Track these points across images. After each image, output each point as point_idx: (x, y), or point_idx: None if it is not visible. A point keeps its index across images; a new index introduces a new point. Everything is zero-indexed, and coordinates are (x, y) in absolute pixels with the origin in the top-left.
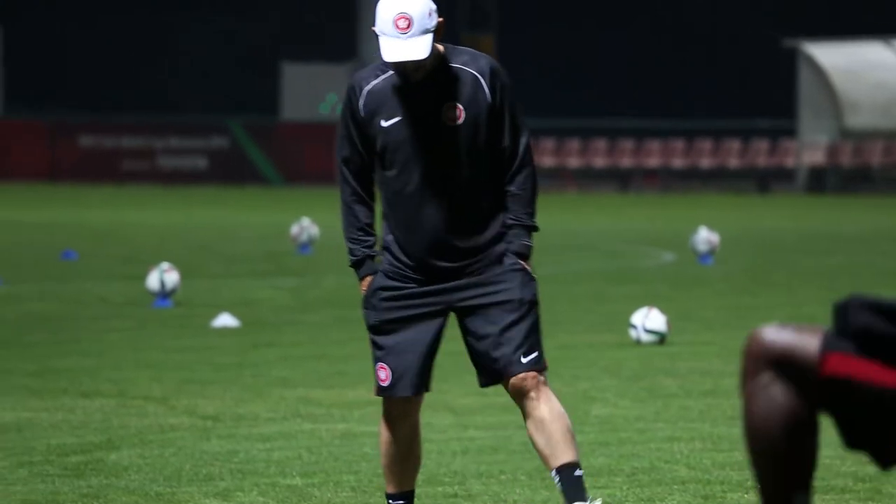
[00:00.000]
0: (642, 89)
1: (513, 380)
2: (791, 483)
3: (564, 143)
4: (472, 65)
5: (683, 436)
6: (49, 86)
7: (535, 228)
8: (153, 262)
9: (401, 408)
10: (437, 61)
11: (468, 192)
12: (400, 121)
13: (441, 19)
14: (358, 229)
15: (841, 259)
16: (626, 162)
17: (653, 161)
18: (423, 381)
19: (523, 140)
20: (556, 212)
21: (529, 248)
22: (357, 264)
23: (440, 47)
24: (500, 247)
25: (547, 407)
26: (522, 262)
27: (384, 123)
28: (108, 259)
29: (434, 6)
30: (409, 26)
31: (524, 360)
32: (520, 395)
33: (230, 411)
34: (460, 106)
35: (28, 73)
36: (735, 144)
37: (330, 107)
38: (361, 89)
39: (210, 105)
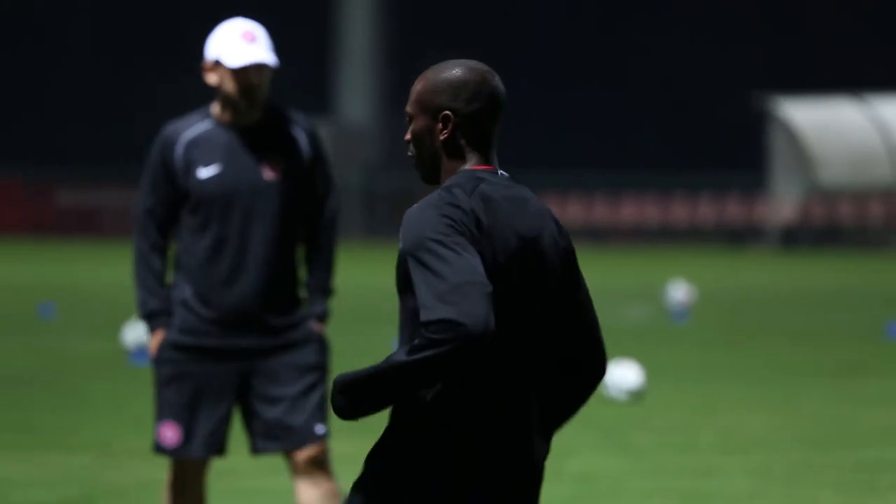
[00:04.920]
0: (614, 142)
1: (304, 451)
2: None
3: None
4: (298, 123)
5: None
6: None
7: (333, 293)
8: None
9: (190, 471)
10: (264, 111)
11: (277, 250)
12: (219, 173)
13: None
14: (155, 281)
15: (813, 316)
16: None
17: (627, 216)
18: (218, 443)
19: (330, 203)
20: None
21: (328, 313)
22: (151, 316)
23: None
24: (302, 310)
25: (328, 485)
26: (320, 328)
27: (201, 175)
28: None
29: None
30: (255, 39)
31: (318, 432)
32: (305, 467)
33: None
34: (281, 161)
35: None
36: (707, 200)
37: None
38: (178, 138)
39: None
